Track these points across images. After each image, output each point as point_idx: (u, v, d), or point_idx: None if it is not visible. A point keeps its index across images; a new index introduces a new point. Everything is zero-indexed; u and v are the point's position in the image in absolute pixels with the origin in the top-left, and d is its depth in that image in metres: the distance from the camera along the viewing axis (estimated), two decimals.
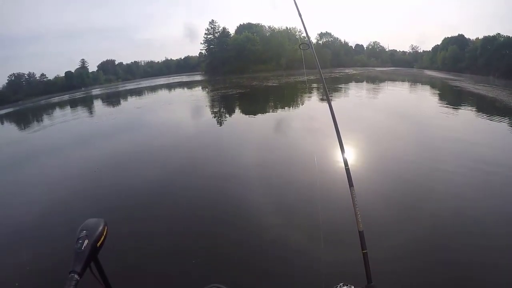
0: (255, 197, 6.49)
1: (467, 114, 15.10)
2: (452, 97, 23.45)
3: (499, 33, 54.74)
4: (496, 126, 12.46)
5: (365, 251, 1.64)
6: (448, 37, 71.29)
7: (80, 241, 1.28)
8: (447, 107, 17.65)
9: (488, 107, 18.19)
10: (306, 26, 2.77)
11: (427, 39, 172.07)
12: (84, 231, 1.33)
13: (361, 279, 1.56)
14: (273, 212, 5.74)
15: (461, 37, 67.93)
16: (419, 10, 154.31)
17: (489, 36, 56.30)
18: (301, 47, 2.78)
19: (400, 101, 21.09)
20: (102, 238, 1.36)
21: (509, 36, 52.26)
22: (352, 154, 8.68)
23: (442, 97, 23.59)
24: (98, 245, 1.33)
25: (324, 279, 1.76)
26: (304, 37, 2.84)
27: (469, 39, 66.76)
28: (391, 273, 3.85)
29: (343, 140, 1.99)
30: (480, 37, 60.27)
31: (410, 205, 5.79)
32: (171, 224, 5.74)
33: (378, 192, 6.31)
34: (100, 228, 1.38)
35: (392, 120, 13.85)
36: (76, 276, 1.18)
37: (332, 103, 2.26)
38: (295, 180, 7.17)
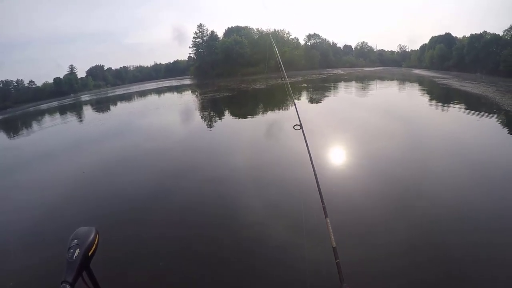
0: (247, 200, 6.43)
1: (453, 111, 15.19)
2: (439, 95, 23.60)
3: (485, 31, 55.59)
4: (482, 122, 12.52)
5: (338, 260, 1.71)
6: (435, 36, 72.41)
7: (72, 250, 1.28)
8: (433, 104, 17.74)
9: (474, 103, 18.41)
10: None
11: (416, 38, 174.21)
12: (75, 240, 1.32)
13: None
14: (265, 214, 5.69)
15: (448, 35, 68.88)
16: (408, 10, 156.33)
17: (475, 34, 57.10)
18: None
19: (387, 100, 21.16)
20: (94, 247, 1.35)
21: (495, 34, 53.15)
22: (341, 152, 9.01)
23: (429, 95, 23.75)
24: (90, 254, 1.32)
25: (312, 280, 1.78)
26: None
27: (456, 37, 67.70)
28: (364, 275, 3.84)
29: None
30: (467, 35, 61.12)
31: (401, 205, 5.72)
32: (164, 230, 5.63)
33: (367, 192, 6.29)
34: (92, 236, 1.36)
35: (379, 119, 13.86)
36: (68, 286, 1.18)
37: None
38: (285, 181, 7.10)
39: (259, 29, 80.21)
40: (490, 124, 12.31)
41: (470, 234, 4.72)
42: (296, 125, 2.97)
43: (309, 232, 4.22)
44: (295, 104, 2.51)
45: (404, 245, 4.45)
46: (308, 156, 2.41)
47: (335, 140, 9.98)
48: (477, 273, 3.94)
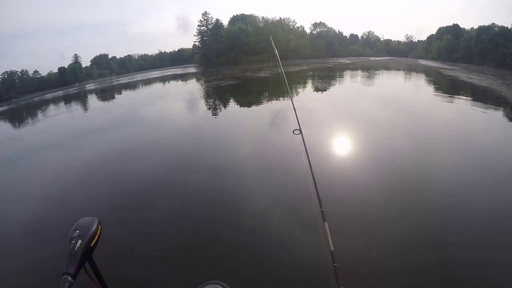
0: (251, 193, 6.41)
1: (458, 104, 15.07)
2: (445, 87, 23.39)
3: (494, 23, 54.83)
4: (487, 116, 12.42)
5: (336, 264, 1.72)
6: (443, 27, 71.50)
7: (73, 241, 1.26)
8: (439, 97, 17.58)
9: (480, 96, 18.20)
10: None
11: (423, 29, 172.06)
12: (77, 231, 1.30)
13: None
14: (270, 208, 5.65)
15: (456, 26, 68.00)
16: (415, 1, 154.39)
17: (484, 26, 56.33)
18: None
19: (392, 92, 20.95)
20: (96, 238, 1.33)
21: (504, 26, 52.36)
22: (345, 143, 9.15)
23: (435, 87, 23.46)
24: (92, 245, 1.30)
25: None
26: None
27: (464, 29, 66.85)
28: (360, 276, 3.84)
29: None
30: (475, 27, 60.34)
31: (402, 210, 5.61)
32: (167, 220, 5.65)
33: (368, 195, 6.17)
34: (94, 227, 1.35)
35: (383, 114, 13.65)
36: (69, 278, 1.17)
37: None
38: (289, 173, 7.05)
39: (264, 17, 79.47)
40: (495, 118, 12.20)
41: (476, 237, 4.64)
42: (296, 130, 3.02)
43: (307, 236, 4.22)
44: (294, 109, 2.54)
45: (404, 250, 4.40)
46: (308, 161, 2.44)
47: (336, 139, 9.80)
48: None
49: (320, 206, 2.05)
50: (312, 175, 2.29)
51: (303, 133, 2.98)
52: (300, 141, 2.83)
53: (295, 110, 2.93)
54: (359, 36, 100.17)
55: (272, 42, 3.80)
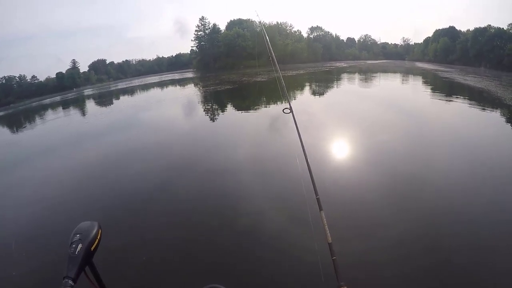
0: (247, 194, 6.45)
1: (453, 105, 15.09)
2: (441, 89, 23.41)
3: (489, 25, 54.95)
4: (481, 117, 12.47)
5: (334, 257, 1.65)
6: (439, 29, 71.64)
7: (74, 246, 1.27)
8: (434, 98, 17.63)
9: (476, 97, 18.24)
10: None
11: (420, 31, 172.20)
12: (78, 235, 1.31)
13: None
14: (270, 211, 5.66)
15: (452, 29, 68.09)
16: (412, 2, 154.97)
17: (480, 27, 56.43)
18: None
19: (389, 93, 21.19)
20: (96, 242, 1.34)
21: (500, 28, 52.43)
22: (342, 145, 9.10)
23: (431, 89, 23.56)
24: (92, 249, 1.31)
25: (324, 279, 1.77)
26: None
27: (460, 30, 66.94)
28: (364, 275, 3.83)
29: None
30: (471, 28, 60.49)
31: (399, 198, 5.74)
32: (166, 225, 5.65)
33: (364, 185, 6.30)
34: (94, 231, 1.36)
35: (379, 112, 13.85)
36: (70, 281, 1.16)
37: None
38: (281, 174, 7.14)
39: (262, 21, 79.39)
40: (492, 119, 12.19)
41: (467, 229, 4.74)
42: (286, 108, 2.86)
43: (303, 227, 4.22)
44: (291, 109, 2.48)
45: (404, 240, 4.43)
46: (302, 148, 2.38)
47: (333, 132, 10.02)
48: (473, 264, 4.00)
49: (315, 193, 1.97)
50: (306, 160, 2.22)
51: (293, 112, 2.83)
52: (297, 144, 2.75)
53: (292, 111, 2.80)
54: (356, 39, 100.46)
55: (267, 40, 3.71)
